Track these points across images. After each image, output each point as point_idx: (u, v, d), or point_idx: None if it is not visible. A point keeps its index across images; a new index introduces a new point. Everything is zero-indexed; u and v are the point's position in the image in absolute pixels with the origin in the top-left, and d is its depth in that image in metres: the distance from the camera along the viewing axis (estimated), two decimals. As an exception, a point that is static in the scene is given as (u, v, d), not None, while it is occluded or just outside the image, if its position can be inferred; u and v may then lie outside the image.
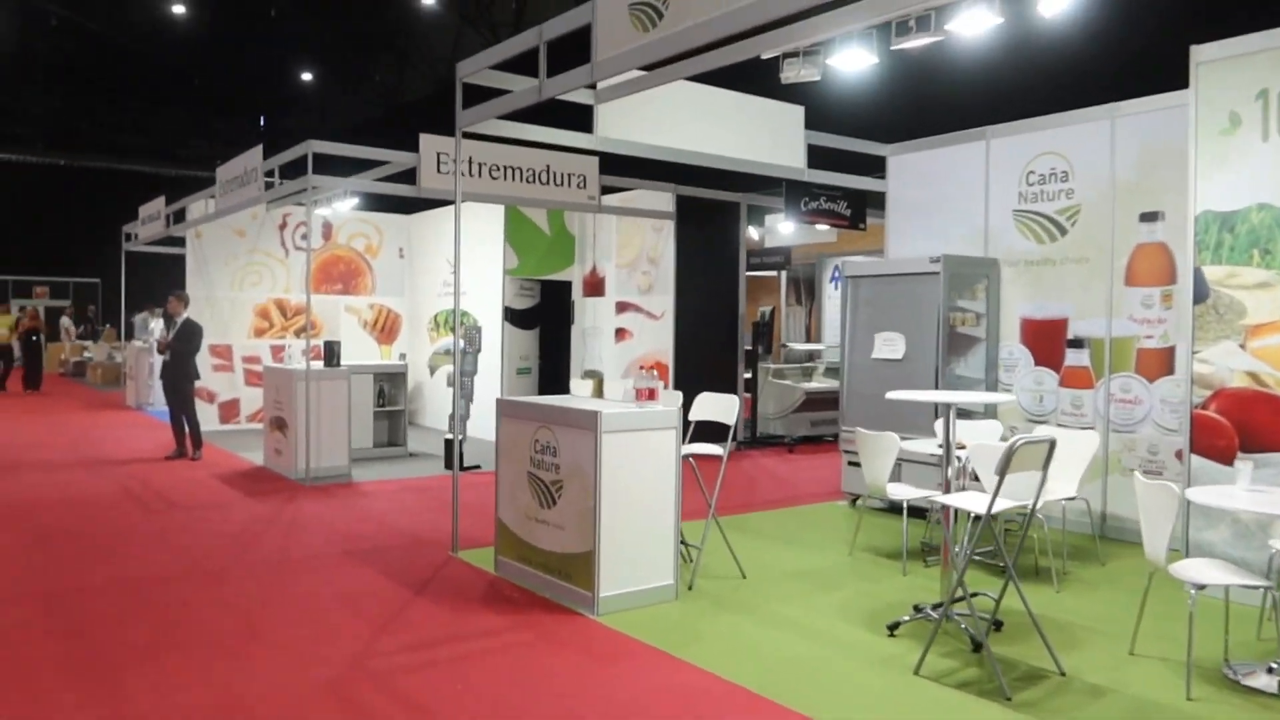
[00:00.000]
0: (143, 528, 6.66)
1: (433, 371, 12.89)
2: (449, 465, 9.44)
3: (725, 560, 5.66)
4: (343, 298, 13.17)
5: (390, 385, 10.45)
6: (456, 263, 6.30)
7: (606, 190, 10.12)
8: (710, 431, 5.64)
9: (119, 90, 30.19)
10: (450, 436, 9.45)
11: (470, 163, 9.04)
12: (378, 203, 13.64)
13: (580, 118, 6.64)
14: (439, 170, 8.87)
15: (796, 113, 7.79)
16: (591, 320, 11.80)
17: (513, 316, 11.79)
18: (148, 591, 5.10)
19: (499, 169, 9.21)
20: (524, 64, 5.74)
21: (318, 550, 6.05)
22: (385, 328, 13.52)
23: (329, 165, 9.35)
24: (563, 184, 9.62)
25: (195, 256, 12.29)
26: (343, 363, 9.26)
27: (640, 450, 4.88)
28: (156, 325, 15.19)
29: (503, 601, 5.01)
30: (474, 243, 12.25)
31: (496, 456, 5.53)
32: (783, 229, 13.95)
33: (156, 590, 5.13)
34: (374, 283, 13.40)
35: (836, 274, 15.02)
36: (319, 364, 9.22)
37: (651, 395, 5.01)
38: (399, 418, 10.48)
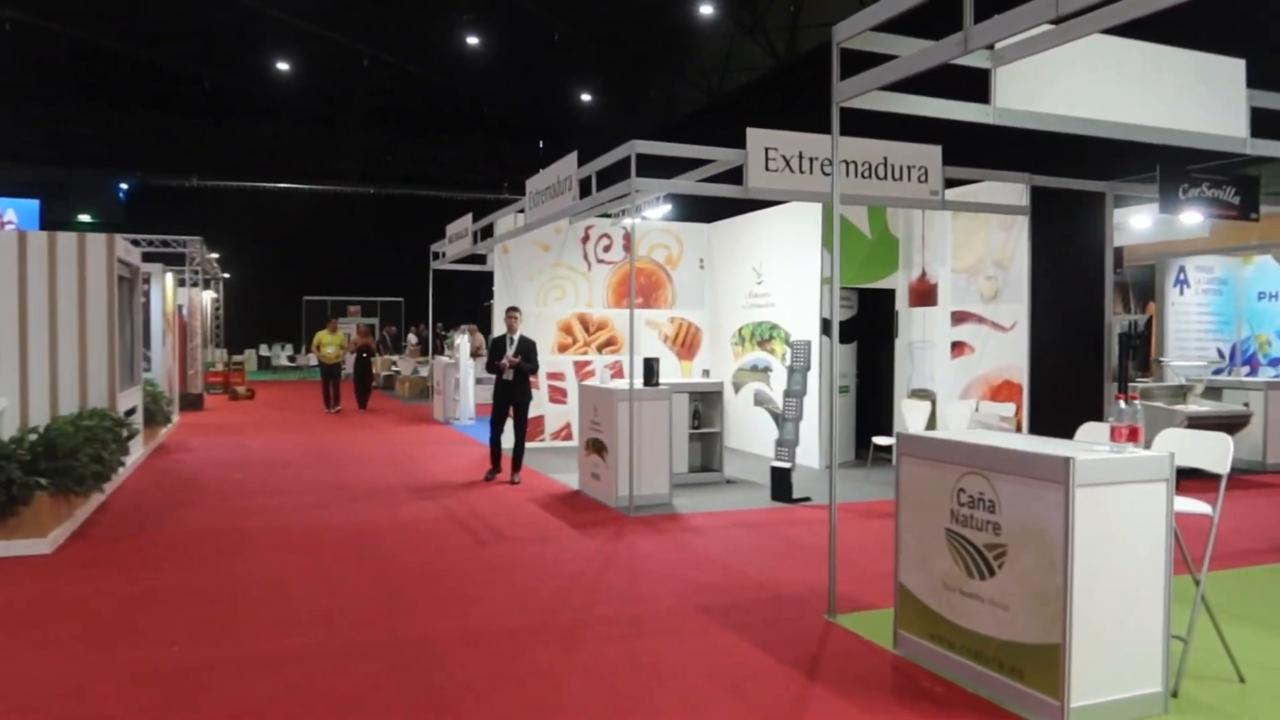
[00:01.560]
0: (477, 562, 6.17)
1: (737, 389, 12.04)
2: (776, 496, 8.51)
3: (1209, 653, 4.24)
4: (644, 311, 12.65)
5: (705, 405, 9.67)
6: (836, 267, 5.30)
7: (947, 184, 8.82)
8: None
9: (418, 122, 32.32)
10: (779, 464, 8.51)
11: (800, 158, 8.09)
12: (677, 211, 13.07)
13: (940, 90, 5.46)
14: (767, 168, 7.97)
15: (1235, 68, 6.14)
16: (920, 333, 10.46)
17: (830, 330, 10.69)
18: (500, 651, 4.46)
19: (831, 163, 8.16)
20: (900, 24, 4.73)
21: (669, 604, 5.24)
22: (686, 342, 12.86)
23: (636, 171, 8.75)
24: (901, 178, 8.43)
25: (503, 272, 12.20)
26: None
27: (1122, 509, 3.62)
28: (463, 341, 15.48)
29: (924, 699, 3.90)
30: (782, 248, 11.33)
31: (896, 504, 4.45)
32: (1135, 224, 11.88)
33: (509, 650, 4.48)
34: (674, 295, 12.79)
35: (1182, 277, 12.81)
36: (626, 382, 8.57)
37: (1133, 435, 3.73)
38: (714, 440, 9.68)
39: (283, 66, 26.63)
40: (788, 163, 8.02)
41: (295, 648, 4.50)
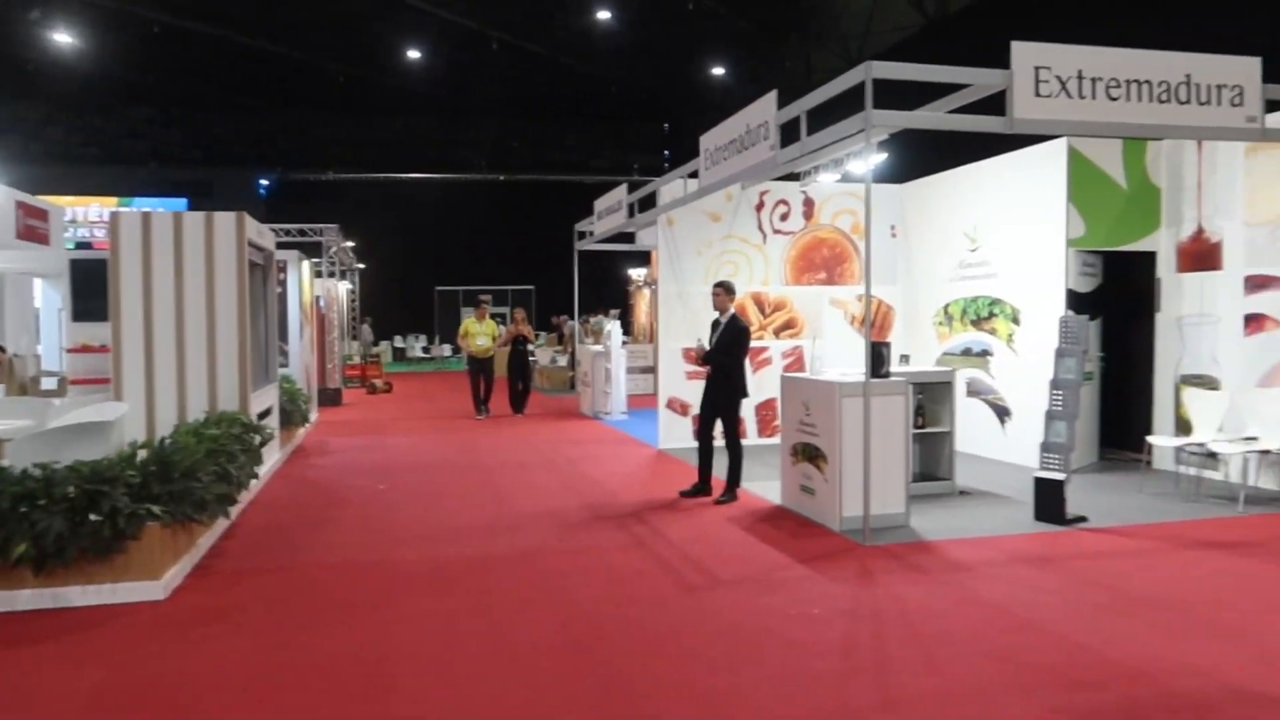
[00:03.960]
0: (698, 619, 4.62)
1: (944, 377, 10.16)
2: (1043, 515, 6.66)
3: None
4: (827, 289, 10.94)
5: (929, 399, 7.90)
6: None
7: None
8: None
9: (543, 108, 31.35)
10: (1047, 474, 6.68)
11: (1079, 79, 6.22)
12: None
13: None
14: (1038, 93, 6.14)
15: None
16: (1196, 305, 8.39)
17: (1070, 303, 8.75)
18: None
19: (1119, 84, 6.28)
20: None
21: (1009, 702, 3.56)
22: (876, 324, 11.07)
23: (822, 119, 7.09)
24: (1208, 101, 6.46)
25: (667, 247, 10.64)
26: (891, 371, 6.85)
27: None
28: (614, 328, 14.08)
29: None
30: (1009, 207, 9.37)
31: None
32: None
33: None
34: (862, 269, 11.00)
35: None
36: (842, 373, 6.90)
37: None
38: (940, 442, 7.90)
39: (413, 55, 25.85)
40: (1064, 86, 6.17)
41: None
